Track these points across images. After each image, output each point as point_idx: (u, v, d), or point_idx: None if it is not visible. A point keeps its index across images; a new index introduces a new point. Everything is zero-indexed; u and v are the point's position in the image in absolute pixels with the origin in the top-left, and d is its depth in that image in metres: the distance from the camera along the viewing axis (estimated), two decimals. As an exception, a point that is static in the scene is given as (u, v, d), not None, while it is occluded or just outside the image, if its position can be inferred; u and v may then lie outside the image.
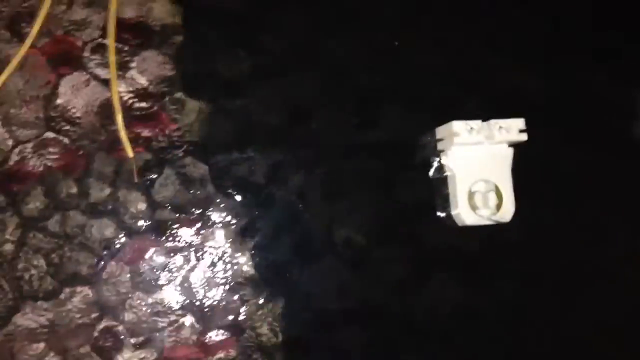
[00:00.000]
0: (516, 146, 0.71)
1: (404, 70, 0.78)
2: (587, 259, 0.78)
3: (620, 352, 0.78)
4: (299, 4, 0.78)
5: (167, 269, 0.74)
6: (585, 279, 0.78)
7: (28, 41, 0.73)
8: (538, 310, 0.77)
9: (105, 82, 0.75)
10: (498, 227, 0.71)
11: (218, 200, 0.75)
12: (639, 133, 0.79)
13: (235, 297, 0.74)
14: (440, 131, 0.72)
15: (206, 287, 0.74)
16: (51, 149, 0.73)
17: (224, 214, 0.75)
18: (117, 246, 0.73)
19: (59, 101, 0.74)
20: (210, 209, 0.75)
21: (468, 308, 0.76)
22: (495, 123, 0.71)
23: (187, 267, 0.74)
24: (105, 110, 0.74)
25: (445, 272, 0.76)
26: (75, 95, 0.74)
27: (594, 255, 0.79)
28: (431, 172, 0.74)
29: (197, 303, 0.73)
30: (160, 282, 0.73)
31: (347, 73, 0.78)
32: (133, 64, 0.75)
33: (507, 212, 0.70)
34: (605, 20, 0.83)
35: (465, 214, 0.69)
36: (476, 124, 0.69)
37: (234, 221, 0.75)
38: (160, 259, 0.74)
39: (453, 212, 0.70)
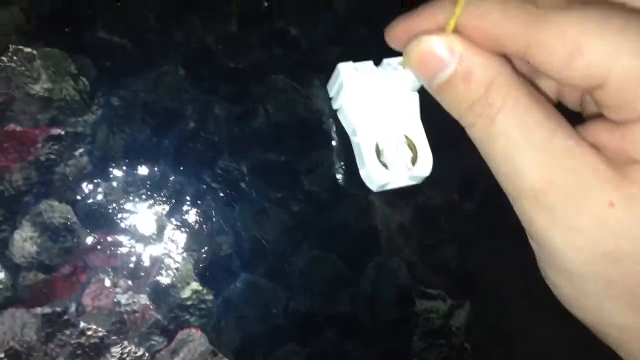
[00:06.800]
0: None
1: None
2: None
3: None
4: None
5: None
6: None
7: None
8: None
9: None
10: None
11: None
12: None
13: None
14: (330, 85, 0.58)
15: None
16: None
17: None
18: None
19: None
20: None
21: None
22: (389, 63, 0.56)
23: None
24: None
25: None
26: None
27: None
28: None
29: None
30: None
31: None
32: None
33: (425, 165, 0.55)
34: None
35: (375, 172, 0.53)
36: (366, 65, 0.54)
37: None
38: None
39: (361, 173, 0.54)
